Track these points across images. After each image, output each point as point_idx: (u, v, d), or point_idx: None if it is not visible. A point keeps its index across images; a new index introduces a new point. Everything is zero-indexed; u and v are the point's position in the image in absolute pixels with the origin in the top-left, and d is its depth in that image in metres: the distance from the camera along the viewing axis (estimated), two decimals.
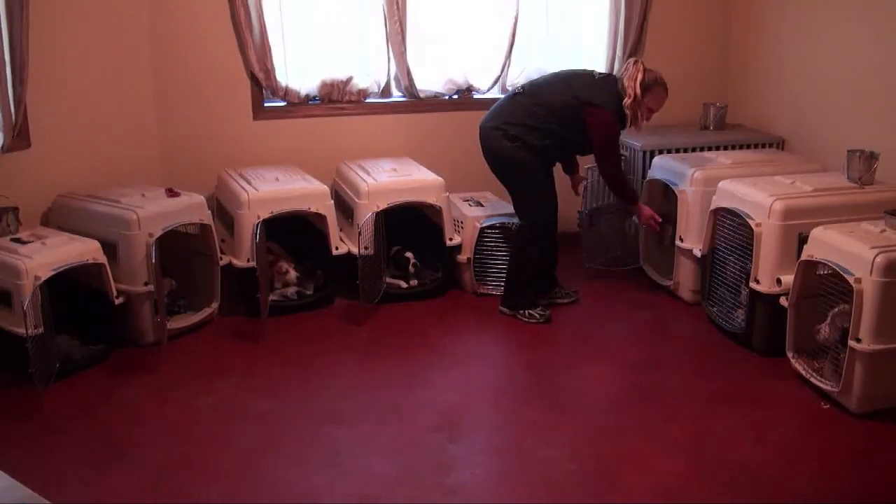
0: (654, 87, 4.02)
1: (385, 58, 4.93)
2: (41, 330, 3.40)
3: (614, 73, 4.16)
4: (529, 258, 4.21)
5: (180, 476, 2.93)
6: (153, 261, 3.74)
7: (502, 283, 4.55)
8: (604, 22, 5.14)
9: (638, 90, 3.98)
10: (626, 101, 3.99)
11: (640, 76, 3.98)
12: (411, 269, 4.50)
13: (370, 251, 4.21)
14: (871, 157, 3.87)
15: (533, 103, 4.07)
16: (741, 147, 4.84)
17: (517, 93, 4.17)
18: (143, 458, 3.03)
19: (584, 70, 4.24)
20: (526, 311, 4.22)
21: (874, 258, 3.13)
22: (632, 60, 4.10)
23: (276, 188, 4.31)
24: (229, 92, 4.79)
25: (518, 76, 5.12)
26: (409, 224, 4.57)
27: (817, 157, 4.53)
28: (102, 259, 3.69)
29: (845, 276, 3.20)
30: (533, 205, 4.18)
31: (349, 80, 4.89)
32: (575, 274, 4.70)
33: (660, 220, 4.28)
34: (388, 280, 4.48)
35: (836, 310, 3.31)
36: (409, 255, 4.52)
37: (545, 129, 4.05)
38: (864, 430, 3.19)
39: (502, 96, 4.41)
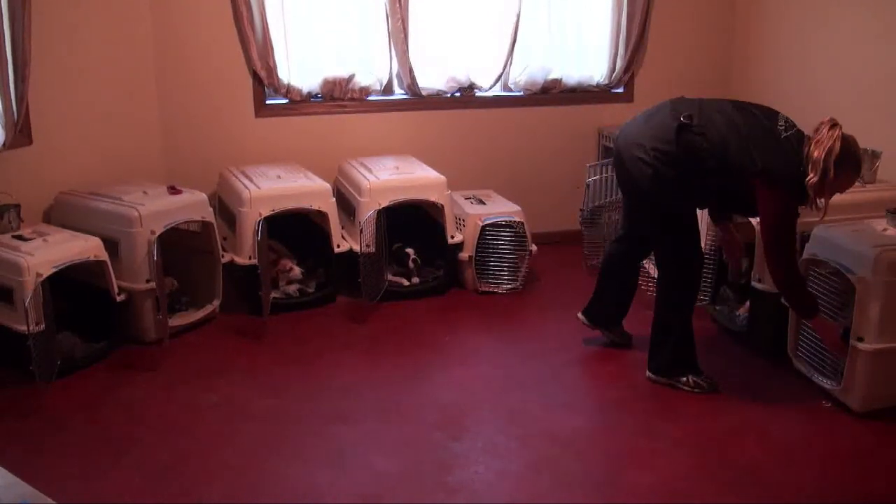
0: (847, 163, 3.08)
1: (387, 55, 4.93)
2: (43, 327, 3.40)
3: (801, 130, 3.22)
4: (675, 314, 3.49)
5: (182, 474, 2.93)
6: (155, 258, 3.74)
7: (504, 282, 4.55)
8: (606, 20, 5.13)
9: (831, 167, 3.04)
10: (811, 178, 3.06)
11: (836, 148, 3.04)
12: (410, 264, 4.50)
13: (372, 249, 4.21)
14: (874, 156, 3.86)
15: (699, 147, 3.18)
16: None
17: (684, 124, 3.20)
18: (144, 456, 3.03)
19: (767, 118, 3.24)
20: (689, 379, 3.47)
21: (877, 257, 3.12)
22: (827, 122, 3.11)
23: (277, 186, 4.30)
24: (231, 89, 4.78)
25: (520, 74, 5.12)
26: (411, 222, 4.57)
27: None
28: (104, 256, 3.68)
29: (847, 275, 3.20)
30: (676, 254, 3.42)
31: (351, 77, 4.88)
32: (576, 273, 4.70)
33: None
34: (390, 278, 4.47)
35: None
36: (409, 250, 4.52)
37: (704, 184, 3.25)
38: (866, 429, 3.19)
39: (656, 108, 3.35)
